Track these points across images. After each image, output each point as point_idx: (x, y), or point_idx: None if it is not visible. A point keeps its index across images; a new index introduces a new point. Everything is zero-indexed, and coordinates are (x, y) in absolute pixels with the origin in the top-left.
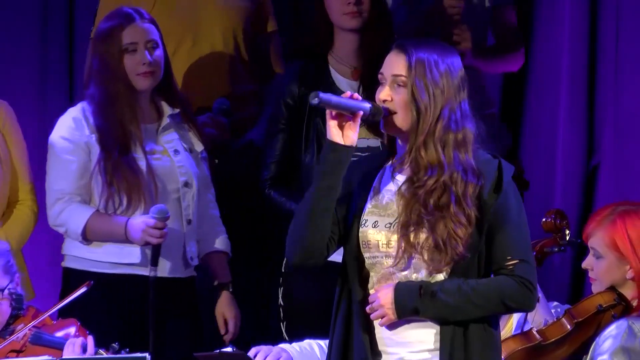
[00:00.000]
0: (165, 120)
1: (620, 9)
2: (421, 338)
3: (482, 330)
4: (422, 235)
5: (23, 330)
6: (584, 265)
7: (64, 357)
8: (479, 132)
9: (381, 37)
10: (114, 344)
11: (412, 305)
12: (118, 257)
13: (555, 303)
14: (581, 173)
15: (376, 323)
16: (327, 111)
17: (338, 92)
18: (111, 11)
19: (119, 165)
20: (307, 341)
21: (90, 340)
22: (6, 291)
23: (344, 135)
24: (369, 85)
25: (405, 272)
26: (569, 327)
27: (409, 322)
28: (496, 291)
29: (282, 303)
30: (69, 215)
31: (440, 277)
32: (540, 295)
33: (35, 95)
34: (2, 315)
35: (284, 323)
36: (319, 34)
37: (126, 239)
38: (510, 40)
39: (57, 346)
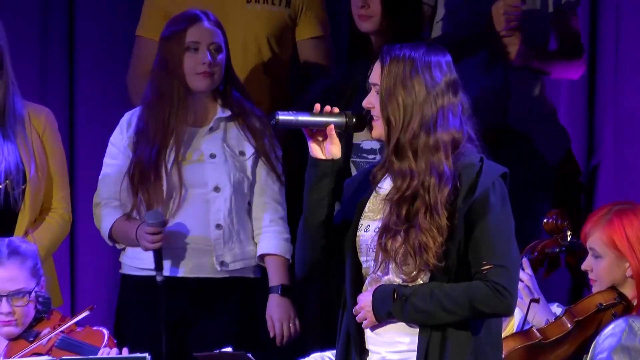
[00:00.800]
0: (211, 124)
1: (620, 9)
2: (400, 339)
3: (462, 336)
4: (397, 243)
5: (50, 335)
6: (584, 267)
7: None
8: (468, 135)
9: (395, 40)
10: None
11: (386, 309)
12: (141, 263)
13: (556, 304)
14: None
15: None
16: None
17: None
18: (179, 13)
19: (145, 172)
20: (313, 355)
21: (125, 352)
22: (33, 293)
23: (324, 149)
24: None
25: (389, 277)
26: (569, 325)
27: (390, 323)
28: (466, 296)
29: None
30: (101, 219)
31: (420, 281)
32: (540, 296)
33: (35, 95)
34: (27, 317)
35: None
36: (351, 37)
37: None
38: (571, 47)
39: (86, 353)
